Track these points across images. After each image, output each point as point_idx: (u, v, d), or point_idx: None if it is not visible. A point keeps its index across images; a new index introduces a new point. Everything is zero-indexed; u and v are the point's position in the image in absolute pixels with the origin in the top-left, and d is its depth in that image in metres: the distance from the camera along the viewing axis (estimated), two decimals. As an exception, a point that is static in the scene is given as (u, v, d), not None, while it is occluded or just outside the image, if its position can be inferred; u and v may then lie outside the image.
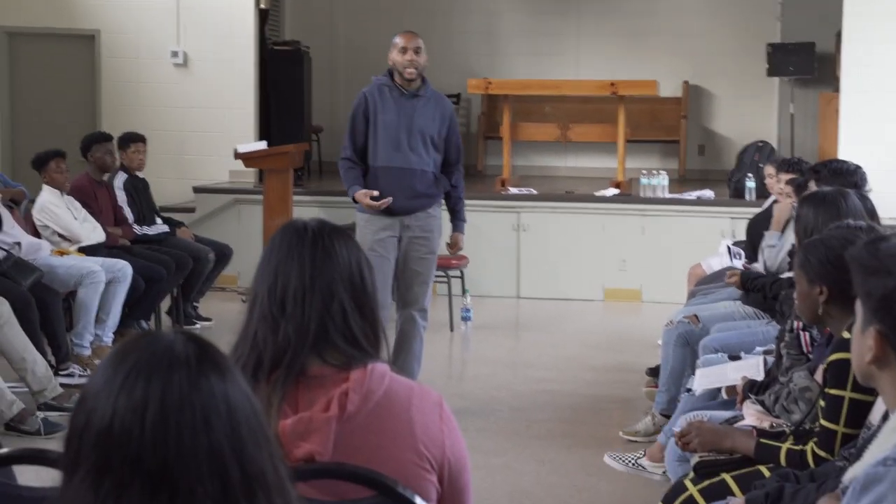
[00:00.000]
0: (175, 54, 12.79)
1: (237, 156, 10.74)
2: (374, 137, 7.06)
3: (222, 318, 9.83)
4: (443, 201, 7.36)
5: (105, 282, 8.20)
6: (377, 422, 2.52)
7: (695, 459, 4.36)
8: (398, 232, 7.12)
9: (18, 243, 7.96)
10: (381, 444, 2.51)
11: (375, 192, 6.97)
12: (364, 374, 2.53)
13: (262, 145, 11.05)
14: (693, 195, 11.70)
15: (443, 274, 10.32)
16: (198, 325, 9.70)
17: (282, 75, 13.32)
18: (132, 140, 9.69)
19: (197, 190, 12.23)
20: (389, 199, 6.96)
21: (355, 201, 7.06)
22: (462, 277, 10.57)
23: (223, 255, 9.97)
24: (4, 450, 2.83)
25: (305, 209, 11.14)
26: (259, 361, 2.54)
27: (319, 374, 2.53)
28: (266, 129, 13.00)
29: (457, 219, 7.36)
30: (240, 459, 1.64)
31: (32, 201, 9.01)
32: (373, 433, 2.51)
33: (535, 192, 12.10)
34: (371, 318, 2.63)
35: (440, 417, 2.59)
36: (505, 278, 11.77)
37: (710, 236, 10.81)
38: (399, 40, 7.08)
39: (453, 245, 7.31)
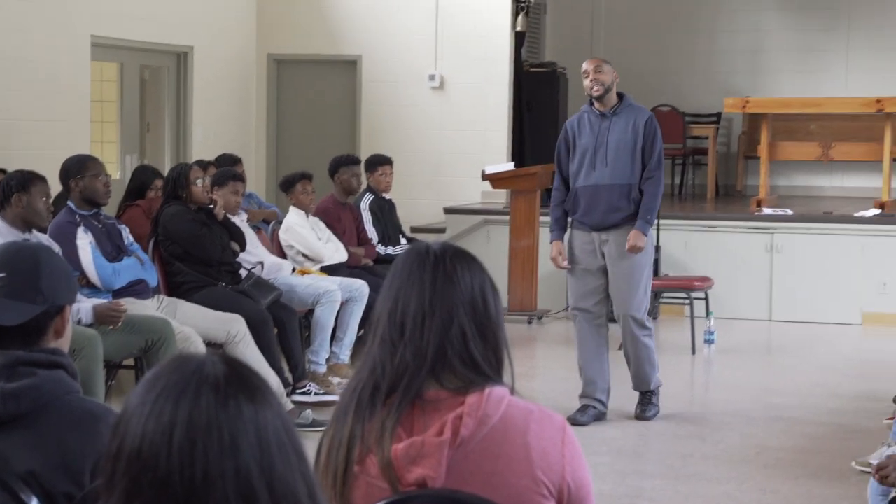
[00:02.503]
0: (432, 77, 13.01)
1: (484, 177, 10.88)
2: (574, 162, 7.50)
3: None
4: None
5: (341, 301, 8.39)
6: (492, 447, 2.48)
7: (893, 493, 4.19)
8: (598, 246, 7.50)
9: (261, 263, 8.23)
10: (496, 470, 2.48)
11: (561, 259, 7.54)
12: (480, 399, 2.49)
13: (510, 166, 11.14)
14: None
15: (685, 295, 10.15)
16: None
17: (536, 97, 13.41)
18: (379, 163, 9.89)
19: (448, 210, 12.41)
20: (565, 265, 7.54)
21: None
22: (706, 299, 10.32)
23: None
24: None
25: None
26: (377, 386, 2.53)
27: (436, 397, 2.51)
28: (520, 150, 13.08)
29: (638, 218, 7.45)
30: (269, 480, 1.65)
31: (280, 222, 9.31)
32: (487, 459, 2.48)
33: (790, 212, 11.81)
34: (494, 342, 2.61)
35: (562, 442, 2.53)
36: (756, 301, 11.51)
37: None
38: (583, 67, 7.56)
39: (627, 242, 7.43)
